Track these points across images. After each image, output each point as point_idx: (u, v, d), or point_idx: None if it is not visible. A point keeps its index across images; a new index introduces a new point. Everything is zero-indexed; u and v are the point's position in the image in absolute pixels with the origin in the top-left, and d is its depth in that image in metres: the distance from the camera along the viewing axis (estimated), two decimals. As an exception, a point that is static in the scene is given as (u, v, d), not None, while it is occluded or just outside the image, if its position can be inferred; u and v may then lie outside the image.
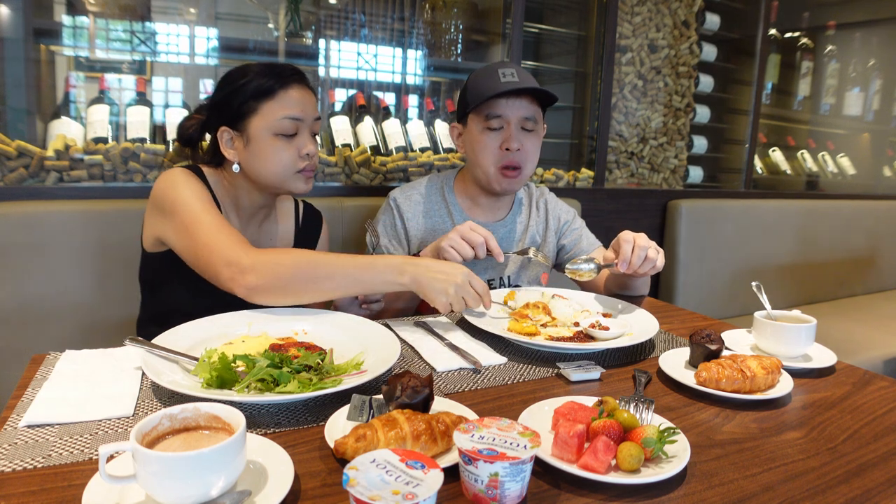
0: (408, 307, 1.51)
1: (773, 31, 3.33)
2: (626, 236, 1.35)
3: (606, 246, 1.77)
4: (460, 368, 1.06)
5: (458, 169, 1.71)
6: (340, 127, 2.13)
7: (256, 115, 1.28)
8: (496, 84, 1.48)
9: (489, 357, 1.11)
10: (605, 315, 1.35)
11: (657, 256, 1.35)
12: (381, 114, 2.27)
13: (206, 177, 1.35)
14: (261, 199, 1.40)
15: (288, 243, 1.51)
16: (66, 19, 1.87)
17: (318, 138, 1.40)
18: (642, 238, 1.34)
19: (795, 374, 1.09)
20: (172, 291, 1.34)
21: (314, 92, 1.37)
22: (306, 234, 1.55)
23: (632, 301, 1.43)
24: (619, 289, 1.59)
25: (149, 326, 1.36)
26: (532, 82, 1.51)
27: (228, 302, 1.18)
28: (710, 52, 2.95)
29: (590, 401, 0.85)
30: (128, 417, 0.83)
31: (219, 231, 1.18)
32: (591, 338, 1.19)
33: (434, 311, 1.49)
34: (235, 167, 1.33)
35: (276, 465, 0.69)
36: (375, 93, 2.39)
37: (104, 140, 1.78)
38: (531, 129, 1.54)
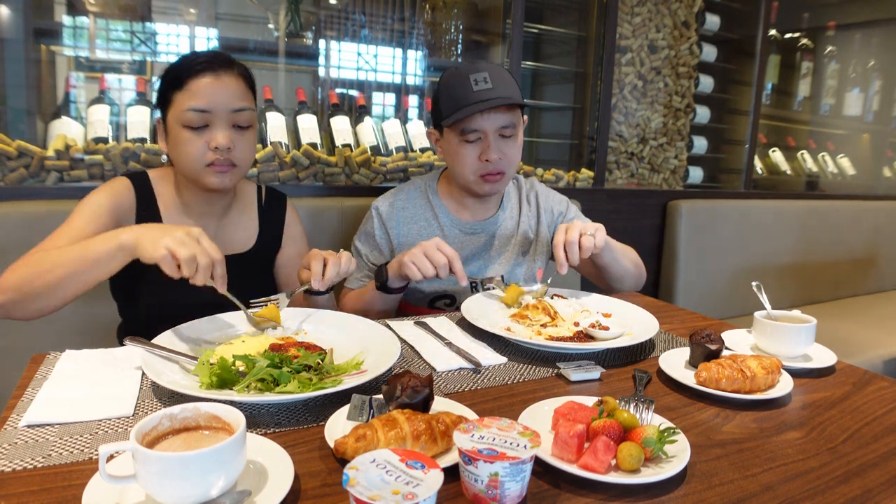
0: (385, 312, 1.48)
1: (773, 32, 3.33)
2: (556, 238, 1.33)
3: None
4: (460, 368, 1.06)
5: (441, 170, 1.67)
6: (340, 127, 2.13)
7: (171, 106, 1.26)
8: (468, 94, 1.42)
9: (489, 357, 1.11)
10: (605, 315, 1.35)
11: (592, 240, 1.32)
12: (382, 114, 2.27)
13: (150, 182, 1.34)
14: (200, 194, 1.34)
15: (252, 234, 1.45)
16: (66, 19, 1.88)
17: (252, 131, 1.31)
18: (572, 231, 1.32)
19: (795, 374, 1.09)
20: (135, 303, 1.33)
21: (247, 79, 1.31)
22: (270, 219, 1.49)
23: (627, 298, 1.43)
24: (598, 280, 1.62)
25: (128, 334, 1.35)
26: (507, 88, 1.44)
27: (188, 309, 1.15)
28: (710, 52, 2.95)
29: (590, 401, 0.85)
30: (128, 417, 0.83)
31: (39, 246, 1.17)
32: (591, 338, 1.19)
33: (432, 312, 1.49)
34: (163, 157, 1.33)
35: (276, 465, 0.69)
36: (375, 93, 2.39)
37: (104, 140, 1.78)
38: (509, 134, 1.48)
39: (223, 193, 1.38)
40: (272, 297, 1.22)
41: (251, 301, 1.20)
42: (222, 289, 1.07)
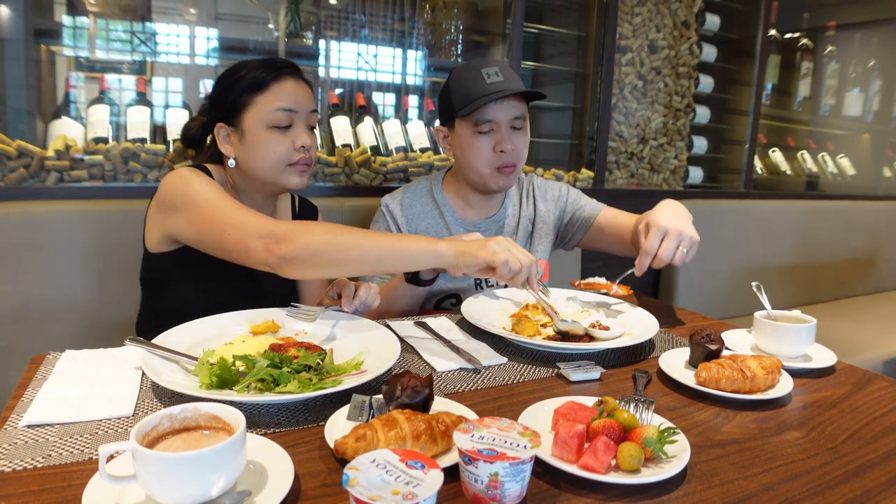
0: (410, 308, 1.49)
1: (773, 32, 3.32)
2: (650, 244, 1.28)
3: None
4: (460, 368, 1.06)
5: (447, 169, 1.69)
6: (340, 127, 2.13)
7: (250, 109, 1.29)
8: (482, 86, 1.46)
9: (489, 357, 1.11)
10: (603, 310, 1.34)
11: (684, 256, 1.29)
12: (382, 114, 2.27)
13: (211, 174, 1.35)
14: (259, 197, 1.39)
15: None
16: (66, 20, 1.87)
17: (316, 133, 1.39)
18: (669, 243, 1.27)
19: (795, 374, 1.09)
20: (176, 291, 1.33)
21: (310, 86, 1.37)
22: None
23: (626, 298, 1.43)
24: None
25: (148, 329, 1.35)
26: (518, 81, 1.49)
27: (232, 300, 1.19)
28: (710, 52, 2.95)
29: (590, 401, 0.85)
30: (128, 417, 0.83)
31: (243, 210, 1.18)
32: (591, 338, 1.19)
33: (438, 313, 1.49)
34: (231, 162, 1.34)
35: (276, 465, 0.69)
36: (375, 93, 2.39)
37: (104, 140, 1.78)
38: (520, 126, 1.52)
39: (275, 199, 1.44)
40: (312, 309, 1.23)
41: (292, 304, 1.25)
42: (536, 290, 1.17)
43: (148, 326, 1.37)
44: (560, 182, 1.77)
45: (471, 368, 1.06)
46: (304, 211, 1.57)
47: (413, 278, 1.38)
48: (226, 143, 1.33)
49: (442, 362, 1.07)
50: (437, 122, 1.64)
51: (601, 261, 2.49)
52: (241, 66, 1.32)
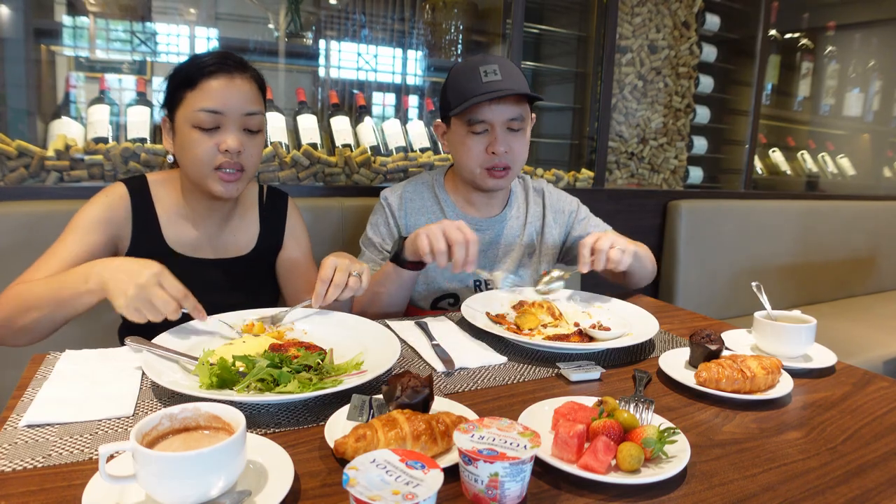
0: (399, 293, 1.43)
1: (773, 32, 3.33)
2: (586, 240, 1.36)
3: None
4: (460, 368, 1.06)
5: (448, 166, 1.67)
6: (340, 127, 2.13)
7: (181, 105, 1.24)
8: (478, 85, 1.41)
9: (489, 357, 1.10)
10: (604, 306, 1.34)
11: (621, 257, 1.34)
12: (382, 114, 2.27)
13: (148, 187, 1.33)
14: (203, 198, 1.33)
15: (253, 235, 1.44)
16: (66, 19, 1.88)
17: (261, 136, 1.30)
18: (604, 240, 1.34)
19: (795, 374, 1.09)
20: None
21: (260, 84, 1.30)
22: (272, 215, 1.47)
23: (626, 298, 1.43)
24: (618, 280, 1.62)
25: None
26: (516, 81, 1.43)
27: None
28: (710, 52, 2.95)
29: (590, 401, 0.85)
30: (128, 417, 0.83)
31: (37, 266, 1.19)
32: (591, 338, 1.19)
33: (431, 312, 1.49)
34: (170, 157, 1.32)
35: (276, 465, 0.69)
36: (375, 93, 2.39)
37: (104, 140, 1.78)
38: (517, 128, 1.47)
39: (225, 200, 1.36)
40: (283, 309, 1.21)
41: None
42: (202, 317, 1.08)
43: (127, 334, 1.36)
44: (573, 197, 1.74)
45: (471, 368, 1.06)
46: (272, 200, 1.48)
47: (395, 256, 1.35)
48: (167, 137, 1.30)
49: (442, 362, 1.07)
50: (438, 118, 1.62)
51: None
52: (191, 58, 1.26)
